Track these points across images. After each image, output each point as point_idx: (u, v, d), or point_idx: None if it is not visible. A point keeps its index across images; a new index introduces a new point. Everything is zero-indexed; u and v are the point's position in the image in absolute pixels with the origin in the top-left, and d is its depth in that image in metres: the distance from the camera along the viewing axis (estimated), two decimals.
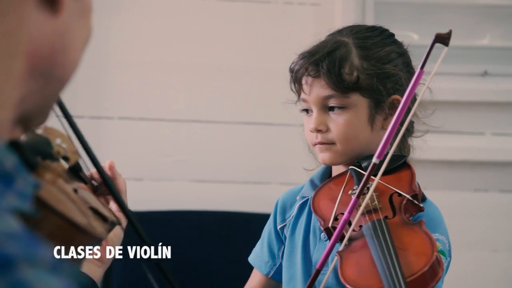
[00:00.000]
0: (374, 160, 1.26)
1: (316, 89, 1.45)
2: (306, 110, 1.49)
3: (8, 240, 0.49)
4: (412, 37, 2.49)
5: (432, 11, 2.60)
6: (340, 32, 1.52)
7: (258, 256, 1.61)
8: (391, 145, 1.29)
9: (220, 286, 2.38)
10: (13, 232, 0.50)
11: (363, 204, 1.30)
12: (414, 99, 1.36)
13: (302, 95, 1.48)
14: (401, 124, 1.29)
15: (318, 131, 1.45)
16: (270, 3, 2.56)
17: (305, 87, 1.46)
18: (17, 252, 0.49)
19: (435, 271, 1.21)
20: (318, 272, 1.29)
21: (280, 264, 1.57)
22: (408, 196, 1.35)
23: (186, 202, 2.50)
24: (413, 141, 1.56)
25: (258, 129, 2.54)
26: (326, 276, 1.30)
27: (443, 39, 1.29)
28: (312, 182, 1.54)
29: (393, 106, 1.46)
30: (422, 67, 1.27)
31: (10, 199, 0.55)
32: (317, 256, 1.46)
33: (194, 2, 2.56)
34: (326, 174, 1.54)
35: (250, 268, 1.67)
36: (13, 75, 0.59)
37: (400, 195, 1.36)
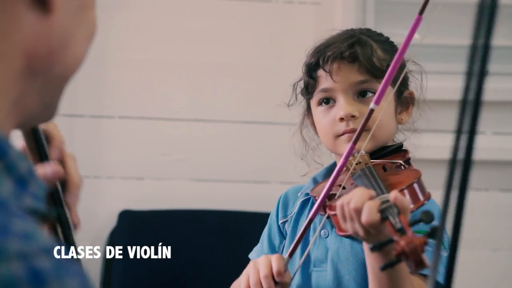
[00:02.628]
0: (372, 106, 1.28)
1: (348, 75, 1.43)
2: (326, 102, 1.47)
3: (42, 255, 0.51)
4: (416, 37, 2.48)
5: (433, 10, 2.59)
6: (345, 31, 1.52)
7: (257, 249, 1.61)
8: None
9: (220, 285, 2.37)
10: (47, 247, 0.52)
11: (355, 162, 1.35)
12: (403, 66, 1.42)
13: (325, 85, 1.45)
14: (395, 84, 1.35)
15: (352, 117, 1.42)
16: (271, 2, 2.55)
17: (334, 74, 1.43)
18: (50, 268, 0.51)
19: (415, 195, 1.24)
20: (311, 221, 1.32)
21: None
22: (400, 161, 1.39)
23: (186, 201, 2.50)
24: (415, 141, 1.56)
25: (258, 128, 2.54)
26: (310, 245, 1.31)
27: None
28: (314, 180, 1.54)
29: (407, 101, 1.49)
30: (420, 13, 1.29)
31: (27, 201, 0.58)
32: (316, 253, 1.47)
33: (194, 0, 2.56)
34: (330, 173, 1.54)
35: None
36: (10, 74, 0.60)
37: (393, 162, 1.40)
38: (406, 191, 1.25)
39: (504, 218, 2.54)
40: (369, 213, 1.13)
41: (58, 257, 0.53)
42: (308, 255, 1.48)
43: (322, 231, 1.47)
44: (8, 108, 0.61)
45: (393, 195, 1.12)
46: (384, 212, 1.11)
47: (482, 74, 0.71)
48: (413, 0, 2.65)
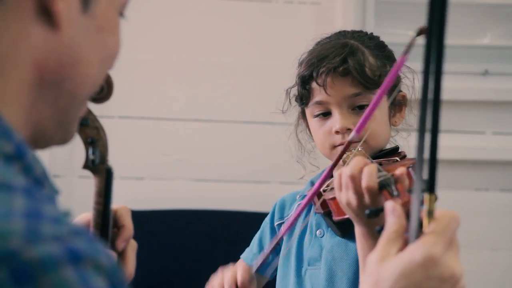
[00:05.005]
0: (353, 134, 1.30)
1: (342, 88, 1.44)
2: (323, 114, 1.47)
3: (74, 237, 0.55)
4: (413, 36, 2.48)
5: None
6: (337, 36, 1.53)
7: (248, 250, 1.64)
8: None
9: None
10: (76, 230, 0.56)
11: (352, 155, 1.35)
12: (397, 82, 1.46)
13: (319, 97, 1.46)
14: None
15: (348, 130, 1.43)
16: (271, 2, 2.56)
17: (328, 88, 1.44)
18: (84, 247, 0.54)
19: (411, 178, 1.25)
20: (301, 210, 1.31)
21: (266, 261, 1.59)
22: (397, 158, 1.40)
23: (186, 201, 2.50)
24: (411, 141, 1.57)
25: (258, 128, 2.54)
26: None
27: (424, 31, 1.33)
28: (312, 183, 1.56)
29: (399, 103, 1.51)
30: (405, 54, 1.30)
31: None
32: (310, 253, 1.49)
33: (194, 1, 2.56)
34: (329, 176, 1.55)
35: None
36: (21, 82, 0.63)
37: (389, 159, 1.41)
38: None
39: (504, 218, 2.54)
40: (369, 176, 1.14)
41: (88, 238, 0.56)
42: (302, 254, 1.51)
43: (317, 230, 1.49)
44: (22, 115, 0.64)
45: (400, 171, 1.11)
46: (381, 182, 1.11)
47: (439, 73, 0.72)
48: (413, 0, 2.66)
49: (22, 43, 0.62)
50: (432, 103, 0.73)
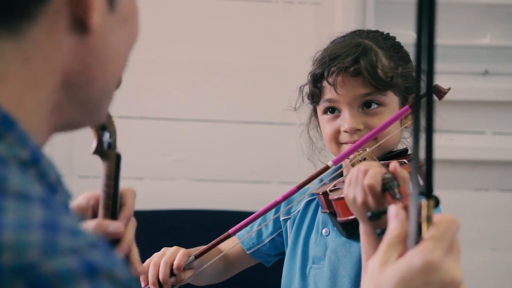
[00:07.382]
0: (329, 164, 1.34)
1: (353, 88, 1.44)
2: (331, 111, 1.48)
3: (91, 249, 0.55)
4: (413, 36, 2.49)
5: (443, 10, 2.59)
6: (351, 35, 1.53)
7: (246, 231, 1.63)
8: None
9: (220, 285, 2.38)
10: (93, 242, 0.56)
11: (359, 156, 1.37)
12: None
13: (329, 96, 1.47)
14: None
15: (357, 130, 1.45)
16: (271, 2, 2.55)
17: (338, 87, 1.45)
18: (100, 260, 0.54)
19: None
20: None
21: (262, 247, 1.62)
22: (405, 160, 1.40)
23: (186, 201, 2.50)
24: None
25: (258, 128, 2.54)
26: None
27: (439, 92, 1.36)
28: (320, 180, 1.56)
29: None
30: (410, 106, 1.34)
31: None
32: (315, 251, 1.49)
33: (194, 1, 2.56)
34: (338, 175, 1.55)
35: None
36: (46, 91, 0.63)
37: (398, 161, 1.42)
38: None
39: (504, 218, 2.54)
40: (373, 176, 1.15)
41: (104, 250, 0.56)
42: (308, 252, 1.52)
43: (323, 229, 1.50)
44: (43, 120, 0.64)
45: (392, 165, 1.12)
46: (385, 185, 1.12)
47: (431, 72, 0.72)
48: (413, 0, 2.65)
49: (54, 56, 0.63)
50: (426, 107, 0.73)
